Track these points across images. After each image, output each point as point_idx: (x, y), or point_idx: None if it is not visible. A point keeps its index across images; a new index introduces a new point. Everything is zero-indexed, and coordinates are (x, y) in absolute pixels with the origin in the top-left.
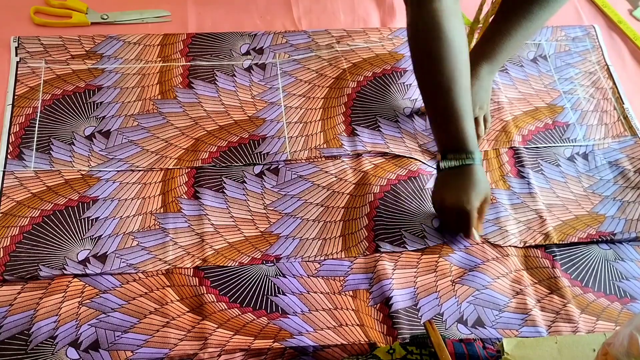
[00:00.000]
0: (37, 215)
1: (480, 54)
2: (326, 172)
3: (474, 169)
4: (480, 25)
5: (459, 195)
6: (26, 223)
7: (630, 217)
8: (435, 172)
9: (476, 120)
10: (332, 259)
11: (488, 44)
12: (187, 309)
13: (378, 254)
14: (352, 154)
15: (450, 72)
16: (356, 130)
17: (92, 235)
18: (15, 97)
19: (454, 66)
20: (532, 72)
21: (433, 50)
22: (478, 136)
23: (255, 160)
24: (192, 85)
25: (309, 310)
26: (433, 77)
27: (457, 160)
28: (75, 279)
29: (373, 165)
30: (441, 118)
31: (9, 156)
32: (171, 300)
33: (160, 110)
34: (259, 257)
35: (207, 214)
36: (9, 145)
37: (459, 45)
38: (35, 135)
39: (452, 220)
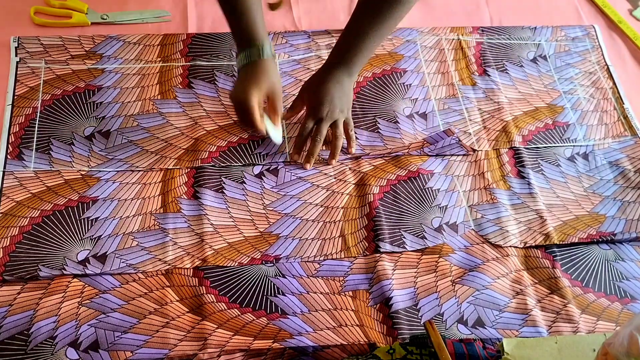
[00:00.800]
0: (36, 215)
1: (337, 58)
2: (325, 173)
3: (260, 62)
4: None
5: (239, 88)
6: (26, 223)
7: (631, 217)
8: (435, 170)
9: (343, 126)
10: (332, 259)
11: (343, 47)
12: (187, 309)
13: (378, 254)
14: (351, 156)
15: None
16: (355, 131)
17: (92, 236)
18: (15, 97)
19: None
20: (532, 73)
21: None
22: (349, 148)
23: (255, 161)
24: (192, 85)
25: (309, 310)
26: None
27: (244, 56)
28: (75, 279)
29: (372, 166)
30: (230, 18)
31: (8, 156)
32: (171, 301)
33: (160, 110)
34: (258, 257)
35: (207, 214)
36: (9, 146)
37: None
38: (35, 136)
39: (238, 114)
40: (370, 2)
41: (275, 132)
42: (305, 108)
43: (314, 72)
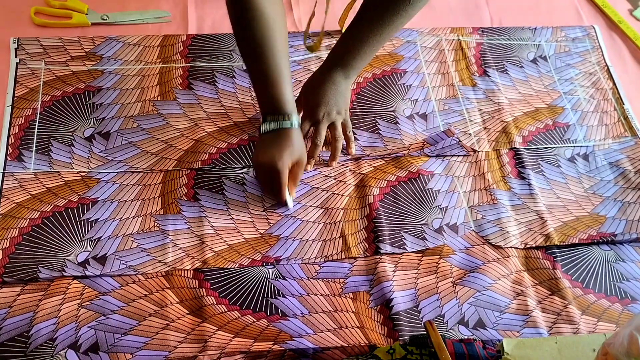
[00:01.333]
0: (36, 216)
1: (335, 59)
2: (325, 175)
3: (289, 132)
4: None
5: (272, 154)
6: (25, 225)
7: (631, 218)
8: (435, 171)
9: (341, 127)
10: (332, 260)
11: (342, 49)
12: (187, 311)
13: (378, 256)
14: (351, 158)
15: (265, 38)
16: (355, 133)
17: (92, 237)
18: (15, 98)
19: (269, 33)
20: (532, 73)
21: (246, 18)
22: (349, 149)
23: None
24: (192, 86)
25: (309, 312)
26: (249, 43)
27: (275, 123)
28: (75, 281)
29: (372, 168)
30: (259, 82)
31: (8, 157)
32: (171, 303)
33: (160, 111)
34: (259, 258)
35: (207, 216)
36: (9, 147)
37: (271, 15)
38: (35, 137)
39: (265, 178)
40: (373, 8)
41: (290, 199)
42: (302, 110)
43: (307, 73)
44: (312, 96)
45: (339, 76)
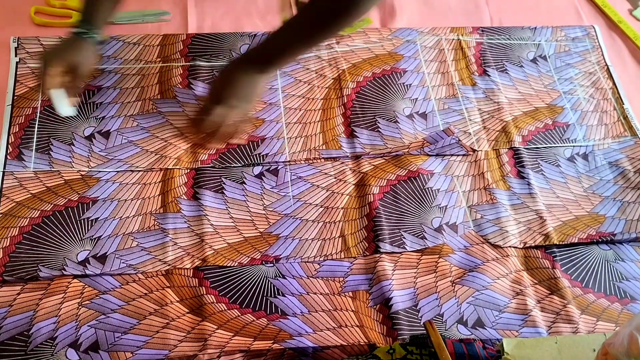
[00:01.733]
0: (36, 215)
1: (259, 52)
2: (325, 173)
3: (77, 39)
4: None
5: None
6: (26, 224)
7: (630, 218)
8: (434, 170)
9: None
10: (332, 259)
11: (270, 46)
12: (187, 310)
13: (378, 255)
14: (351, 156)
15: None
16: (355, 131)
17: (92, 236)
18: (15, 97)
19: None
20: (532, 73)
21: None
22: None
23: (255, 161)
24: (192, 85)
25: (309, 311)
26: None
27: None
28: (75, 280)
29: (372, 166)
30: None
31: (8, 156)
32: (171, 301)
33: (160, 110)
34: (258, 257)
35: (207, 215)
36: (9, 146)
37: None
38: (35, 136)
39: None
40: (308, 14)
41: (62, 105)
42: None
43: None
44: (222, 78)
45: (255, 69)
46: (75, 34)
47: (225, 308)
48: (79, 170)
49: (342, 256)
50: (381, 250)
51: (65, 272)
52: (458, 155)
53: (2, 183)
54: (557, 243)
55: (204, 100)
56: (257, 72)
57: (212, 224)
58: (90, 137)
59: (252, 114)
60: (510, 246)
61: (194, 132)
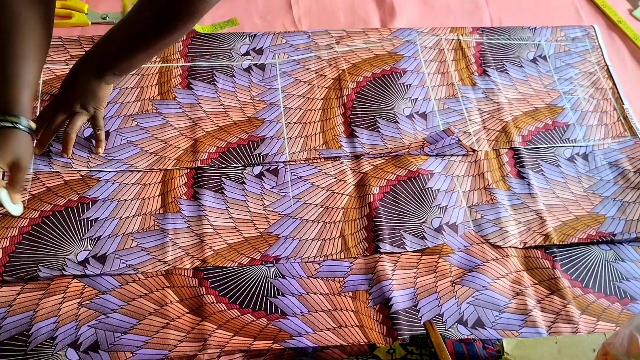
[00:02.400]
0: (36, 216)
1: (97, 54)
2: (326, 173)
3: (10, 132)
4: None
5: None
6: (25, 224)
7: (631, 218)
8: (434, 170)
9: (76, 122)
10: (332, 259)
11: (109, 48)
12: (187, 310)
13: (378, 255)
14: (351, 156)
15: (5, 39)
16: (355, 131)
17: (92, 236)
18: None
19: (9, 34)
20: (531, 73)
21: None
22: (97, 148)
23: (255, 161)
24: (192, 85)
25: (309, 311)
26: None
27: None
28: (75, 280)
29: (372, 167)
30: None
31: None
32: (171, 301)
33: (160, 110)
34: (258, 257)
35: (207, 215)
36: None
37: (16, 14)
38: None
39: None
40: (140, 17)
41: (11, 206)
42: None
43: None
44: (62, 83)
45: (92, 73)
46: (4, 122)
47: (225, 308)
48: (79, 171)
49: (342, 256)
50: (381, 250)
51: (65, 272)
52: (458, 155)
53: None
54: (557, 243)
55: (51, 103)
56: (96, 77)
57: (212, 224)
58: (89, 138)
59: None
60: (510, 246)
61: (41, 145)
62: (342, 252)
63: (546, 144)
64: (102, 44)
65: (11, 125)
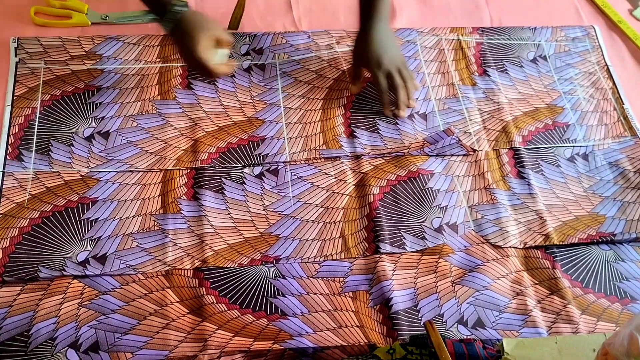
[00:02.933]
0: (36, 216)
1: (367, 15)
2: (326, 173)
3: (185, 18)
4: None
5: (184, 51)
6: (25, 224)
7: (631, 218)
8: (434, 171)
9: (402, 73)
10: (332, 260)
11: (368, 4)
12: (187, 311)
13: (378, 255)
14: (351, 155)
15: None
16: (355, 132)
17: (92, 237)
18: (15, 97)
19: None
20: (531, 73)
21: None
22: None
23: (255, 162)
24: (192, 86)
25: (309, 311)
26: None
27: (170, 21)
28: (75, 280)
29: (372, 167)
30: None
31: (8, 157)
32: (171, 302)
33: (160, 111)
34: (258, 258)
35: (207, 215)
36: (8, 146)
37: None
38: (35, 136)
39: (200, 72)
40: None
41: (221, 60)
42: (368, 70)
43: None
44: (373, 52)
45: (382, 25)
46: (174, 15)
47: (226, 308)
48: (79, 171)
49: (342, 256)
50: (381, 250)
51: (65, 273)
52: (458, 155)
53: (1, 184)
54: (558, 243)
55: (378, 79)
56: (385, 25)
57: (212, 225)
58: (89, 138)
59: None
60: (510, 246)
61: (404, 104)
62: (342, 253)
63: (546, 144)
64: (367, 7)
65: (179, 10)
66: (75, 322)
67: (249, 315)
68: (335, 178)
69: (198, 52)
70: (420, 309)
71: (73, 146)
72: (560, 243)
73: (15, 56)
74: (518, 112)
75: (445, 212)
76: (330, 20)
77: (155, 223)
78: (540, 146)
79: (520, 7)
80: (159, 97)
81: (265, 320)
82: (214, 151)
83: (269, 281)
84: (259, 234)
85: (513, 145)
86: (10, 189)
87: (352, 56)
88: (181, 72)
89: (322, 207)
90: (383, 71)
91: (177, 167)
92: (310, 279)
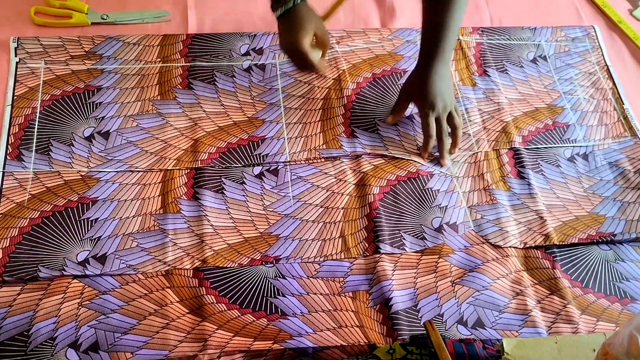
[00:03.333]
0: (36, 216)
1: (429, 52)
2: (326, 173)
3: (299, 8)
4: None
5: (289, 40)
6: (25, 224)
7: (631, 218)
8: (434, 172)
9: (455, 117)
10: (332, 260)
11: (431, 41)
12: (187, 310)
13: (378, 255)
14: (352, 155)
15: None
16: (355, 132)
17: (92, 236)
18: (15, 97)
19: None
20: (531, 73)
21: None
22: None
23: (255, 162)
24: (192, 86)
25: (309, 311)
26: None
27: (281, 7)
28: (75, 280)
29: (372, 166)
30: None
31: (8, 157)
32: (171, 302)
33: (160, 111)
34: (258, 258)
35: (207, 215)
36: (8, 146)
37: None
38: (35, 136)
39: (297, 63)
40: None
41: (322, 62)
42: (417, 109)
43: (410, 71)
44: (427, 92)
45: (442, 66)
46: (288, 2)
47: (225, 308)
48: (79, 171)
49: (342, 256)
50: (381, 250)
51: (65, 273)
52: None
53: (1, 184)
54: (557, 243)
55: (426, 120)
56: (445, 68)
57: (212, 225)
58: (89, 138)
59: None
60: (510, 246)
61: (446, 152)
62: (342, 253)
63: (546, 144)
64: (430, 43)
65: (292, 3)
66: (75, 322)
67: (248, 315)
68: (335, 178)
69: (304, 45)
70: (420, 309)
71: (73, 146)
72: (560, 243)
73: (15, 56)
74: (518, 113)
75: (445, 213)
76: (331, 20)
77: (155, 223)
78: (540, 146)
79: (520, 7)
80: (159, 97)
81: (265, 320)
82: (214, 151)
83: (268, 281)
84: (259, 234)
85: (513, 146)
86: (10, 189)
87: (402, 88)
88: (181, 72)
89: (322, 207)
90: (434, 115)
91: (177, 167)
92: (310, 279)
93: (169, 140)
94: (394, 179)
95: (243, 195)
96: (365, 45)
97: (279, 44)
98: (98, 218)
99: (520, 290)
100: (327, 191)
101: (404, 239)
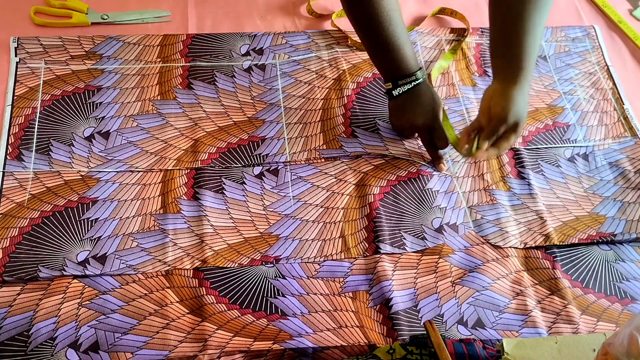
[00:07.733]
0: (36, 216)
1: (509, 73)
2: (326, 173)
3: (418, 88)
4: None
5: (409, 117)
6: (25, 224)
7: (631, 218)
8: (434, 172)
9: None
10: (332, 260)
11: (513, 63)
12: (187, 311)
13: (378, 255)
14: (352, 155)
15: (380, 12)
16: (355, 132)
17: (92, 236)
18: (15, 97)
19: (383, 7)
20: None
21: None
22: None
23: (255, 162)
24: (192, 86)
25: (309, 311)
26: (367, 19)
27: (407, 84)
28: (75, 280)
29: (373, 167)
30: (384, 51)
31: (8, 157)
32: (171, 302)
33: (160, 111)
34: (258, 258)
35: (207, 215)
36: (9, 146)
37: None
38: (35, 136)
39: (424, 137)
40: (511, 13)
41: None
42: (488, 121)
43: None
44: (506, 110)
45: (525, 86)
46: (416, 80)
47: (226, 308)
48: (79, 171)
49: (342, 257)
50: (381, 251)
51: (65, 273)
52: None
53: (1, 184)
54: (558, 243)
55: (490, 130)
56: (528, 87)
57: (212, 225)
58: (90, 138)
59: None
60: (510, 247)
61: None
62: (343, 253)
63: (546, 145)
64: (511, 65)
65: (418, 81)
66: (75, 322)
67: (248, 315)
68: (335, 178)
69: (440, 120)
70: (420, 309)
71: (73, 146)
72: (561, 243)
73: (16, 56)
74: None
75: (445, 213)
76: (331, 21)
77: (155, 223)
78: (540, 146)
79: None
80: (159, 97)
81: (265, 320)
82: (214, 151)
83: (269, 281)
84: (259, 234)
85: (513, 146)
86: (10, 189)
87: (481, 109)
88: (181, 72)
89: (322, 207)
90: (503, 127)
91: (177, 167)
92: (310, 279)
93: (169, 140)
94: (394, 179)
95: (243, 196)
96: None
97: (394, 120)
98: (98, 218)
99: (521, 290)
100: (327, 191)
101: (405, 238)
